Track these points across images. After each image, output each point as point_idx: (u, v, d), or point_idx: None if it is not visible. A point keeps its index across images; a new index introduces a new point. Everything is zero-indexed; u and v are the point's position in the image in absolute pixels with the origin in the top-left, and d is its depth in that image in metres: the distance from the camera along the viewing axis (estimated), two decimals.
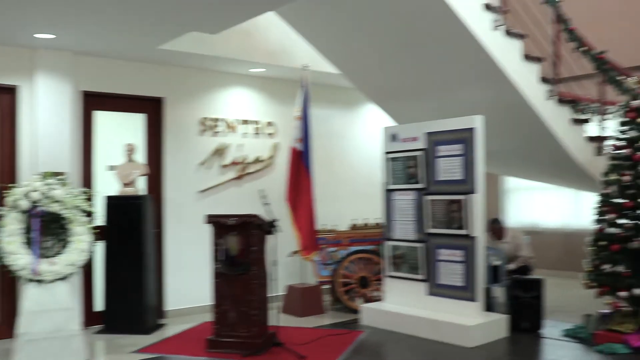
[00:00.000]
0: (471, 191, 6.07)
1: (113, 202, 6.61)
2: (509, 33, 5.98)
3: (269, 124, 8.22)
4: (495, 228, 7.69)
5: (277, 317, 5.79)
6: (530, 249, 7.71)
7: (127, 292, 6.46)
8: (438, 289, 6.42)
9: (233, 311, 5.58)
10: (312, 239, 7.19)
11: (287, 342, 5.69)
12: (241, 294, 5.56)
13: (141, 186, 6.95)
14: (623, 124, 6.00)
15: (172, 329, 6.68)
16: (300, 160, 7.19)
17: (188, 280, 7.31)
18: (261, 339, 5.58)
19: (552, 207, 10.14)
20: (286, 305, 7.44)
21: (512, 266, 7.30)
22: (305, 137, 7.20)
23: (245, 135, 8.02)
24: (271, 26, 7.29)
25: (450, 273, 6.28)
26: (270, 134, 8.22)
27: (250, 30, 7.13)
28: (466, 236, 6.13)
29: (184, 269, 7.34)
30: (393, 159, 6.88)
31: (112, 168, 6.82)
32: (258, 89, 8.19)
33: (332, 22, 6.16)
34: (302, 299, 7.37)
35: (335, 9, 5.86)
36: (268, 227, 5.73)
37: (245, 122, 8.02)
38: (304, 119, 7.21)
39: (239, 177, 7.90)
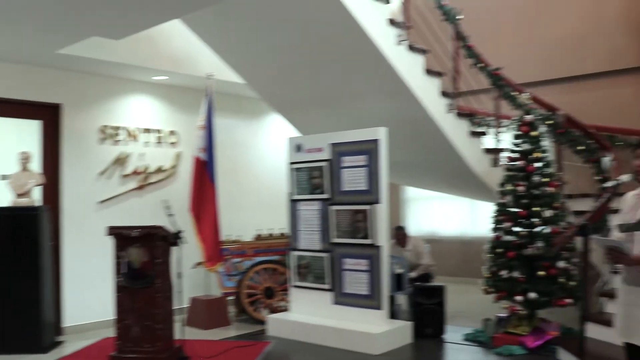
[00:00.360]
0: (375, 201, 6.18)
1: (5, 214, 6.19)
2: (411, 48, 6.12)
3: (172, 132, 8.03)
4: (399, 235, 7.89)
5: (182, 331, 5.65)
6: (431, 256, 7.96)
7: (21, 309, 6.06)
8: (344, 298, 6.48)
9: (136, 326, 5.37)
10: (216, 250, 7.09)
11: (193, 355, 5.55)
12: (145, 307, 5.37)
13: (36, 197, 6.57)
14: (517, 137, 6.28)
15: (71, 346, 6.35)
16: (204, 170, 7.08)
17: (88, 295, 7.00)
18: (166, 354, 5.39)
19: (450, 216, 10.51)
20: (191, 318, 7.26)
21: (413, 274, 7.49)
22: (209, 146, 7.10)
23: (147, 144, 7.80)
24: (176, 33, 7.13)
25: (356, 282, 6.36)
26: (172, 143, 8.03)
27: (155, 37, 6.95)
28: (371, 245, 6.22)
29: (84, 283, 7.02)
30: (298, 170, 6.88)
31: (5, 177, 6.39)
32: (161, 97, 7.99)
33: (236, 32, 6.10)
34: (207, 311, 7.24)
35: (240, 19, 5.80)
36: (173, 238, 5.58)
37: (147, 130, 7.80)
38: (208, 129, 7.11)
39: (140, 187, 7.67)
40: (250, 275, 7.41)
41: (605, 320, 5.28)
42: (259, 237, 7.95)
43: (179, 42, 7.26)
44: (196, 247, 6.99)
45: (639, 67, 7.94)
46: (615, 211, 3.99)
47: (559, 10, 8.57)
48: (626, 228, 3.16)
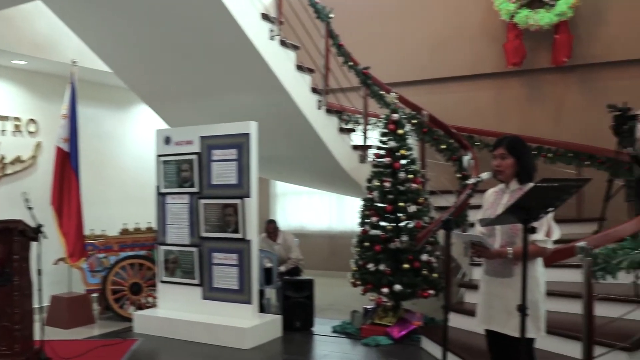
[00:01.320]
0: (246, 195, 6.18)
1: None
2: (284, 43, 6.15)
3: (32, 121, 7.58)
4: (270, 228, 7.93)
5: (42, 331, 5.35)
6: (300, 250, 8.06)
7: None
8: (213, 293, 6.43)
9: None
10: (79, 245, 6.79)
11: (55, 357, 5.30)
12: (2, 307, 5.04)
13: None
14: (384, 134, 6.50)
15: None
16: (67, 161, 6.76)
17: None
18: (25, 356, 5.08)
19: (318, 210, 10.68)
20: (51, 317, 6.89)
21: (283, 268, 7.56)
22: (72, 136, 6.77)
23: (4, 133, 7.32)
24: (38, 16, 6.74)
25: (225, 276, 6.33)
26: (32, 132, 7.59)
27: (15, 17, 6.53)
28: (241, 240, 6.21)
29: None
30: (166, 162, 6.74)
31: None
32: (20, 82, 7.51)
33: (102, 17, 5.79)
34: (69, 310, 6.90)
35: (105, 3, 5.52)
36: (32, 233, 5.26)
37: (3, 118, 7.32)
38: (71, 118, 6.79)
39: None
40: (116, 271, 7.15)
41: (465, 310, 5.53)
42: (125, 232, 7.67)
43: (42, 25, 6.88)
44: (58, 242, 6.65)
45: (496, 73, 8.47)
46: (476, 207, 4.21)
47: (425, 15, 8.95)
48: (486, 222, 3.33)
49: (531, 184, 3.21)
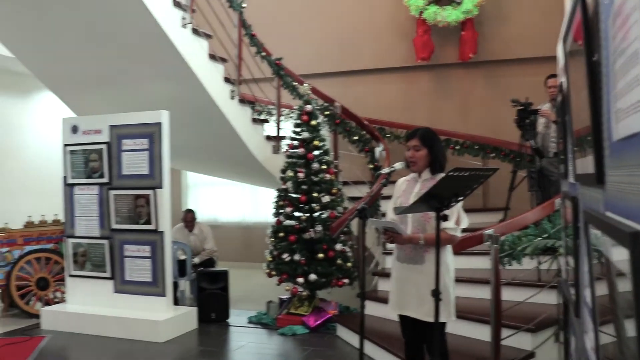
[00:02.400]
0: (158, 186, 6.08)
1: None
2: (196, 32, 6.09)
3: None
4: (189, 218, 7.82)
5: None
6: (214, 242, 8.01)
7: None
8: (125, 286, 6.30)
9: None
10: None
11: None
12: None
13: None
14: (297, 125, 6.56)
15: None
16: None
17: None
18: None
19: (231, 202, 10.63)
20: None
21: (197, 260, 7.49)
22: None
23: None
24: None
25: (138, 269, 6.21)
26: None
27: None
28: (153, 231, 6.12)
29: None
30: (73, 152, 6.53)
31: None
32: None
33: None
34: None
35: None
36: None
37: None
38: None
39: None
40: (21, 266, 6.85)
41: (378, 298, 5.63)
42: (29, 225, 7.36)
43: None
44: None
45: (406, 67, 8.71)
46: (387, 198, 4.30)
47: (337, 8, 9.07)
48: (400, 211, 3.42)
49: (442, 174, 3.33)
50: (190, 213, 7.94)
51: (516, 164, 6.77)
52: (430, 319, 3.20)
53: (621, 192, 1.15)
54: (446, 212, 3.16)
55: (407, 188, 3.62)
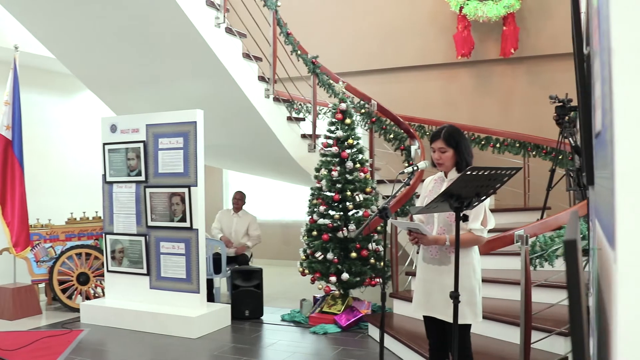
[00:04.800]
0: (193, 184, 6.15)
1: None
2: (230, 31, 6.12)
3: None
4: (237, 196, 7.87)
5: None
6: (259, 227, 7.99)
7: None
8: (161, 282, 6.39)
9: None
10: (23, 235, 6.69)
11: None
12: None
13: None
14: (332, 124, 6.53)
15: None
16: (10, 150, 6.63)
17: None
18: None
19: (271, 200, 10.66)
20: None
21: (249, 243, 7.56)
22: (14, 124, 6.64)
23: None
24: None
25: (173, 266, 6.30)
26: None
27: None
28: (188, 228, 6.19)
29: None
30: (112, 151, 6.65)
31: None
32: None
33: (45, 2, 5.67)
34: (13, 301, 6.77)
35: None
36: None
37: None
38: (14, 105, 6.65)
39: None
40: (62, 261, 7.05)
41: (411, 298, 5.57)
42: (71, 221, 7.56)
43: None
44: (2, 232, 6.53)
45: (446, 64, 8.57)
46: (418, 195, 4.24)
47: (376, 5, 9.00)
48: (417, 211, 3.36)
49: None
50: (239, 193, 7.96)
51: (556, 162, 6.59)
52: (458, 321, 3.15)
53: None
54: (469, 212, 3.09)
55: (434, 188, 3.55)
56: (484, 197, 3.09)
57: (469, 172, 2.81)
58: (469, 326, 3.39)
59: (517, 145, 7.51)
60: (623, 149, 0.77)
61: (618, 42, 0.78)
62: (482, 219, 3.34)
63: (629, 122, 0.77)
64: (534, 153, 7.39)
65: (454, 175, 3.44)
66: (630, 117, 0.77)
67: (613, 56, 0.78)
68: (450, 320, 3.27)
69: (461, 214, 3.03)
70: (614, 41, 0.79)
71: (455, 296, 3.03)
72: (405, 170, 3.71)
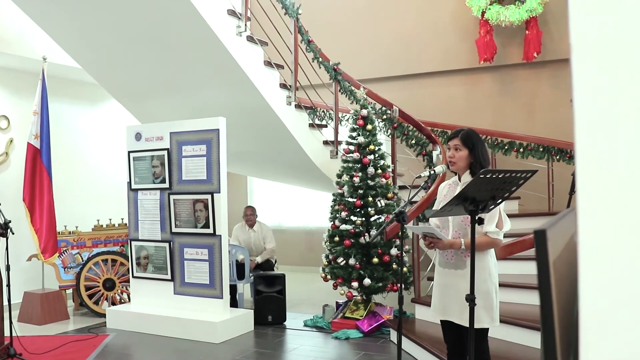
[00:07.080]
0: (216, 191, 6.21)
1: None
2: (251, 39, 6.18)
3: (3, 117, 7.55)
4: (248, 212, 7.94)
5: (13, 327, 5.36)
6: (275, 242, 8.07)
7: None
8: (185, 288, 6.47)
9: None
10: (51, 241, 6.82)
11: (24, 352, 5.31)
12: None
13: None
14: (354, 130, 6.56)
15: None
16: (38, 158, 6.77)
17: None
18: None
19: (295, 206, 10.72)
20: (25, 313, 6.91)
21: (259, 259, 7.60)
22: (42, 133, 6.79)
23: None
24: (7, 11, 6.72)
25: (196, 271, 6.37)
26: (3, 129, 7.56)
27: None
28: (211, 234, 6.26)
29: None
30: (137, 159, 6.76)
31: None
32: None
33: (68, 13, 5.76)
34: (42, 306, 6.90)
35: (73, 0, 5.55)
36: (0, 229, 5.28)
37: None
38: (42, 114, 6.79)
39: None
40: (89, 267, 7.18)
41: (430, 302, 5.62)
42: (97, 228, 7.70)
43: (11, 20, 6.85)
44: (31, 239, 6.67)
45: (468, 69, 8.55)
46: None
47: (397, 11, 9.01)
48: (432, 214, 3.38)
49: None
50: (249, 208, 8.04)
51: None
52: (474, 325, 3.15)
53: None
54: (484, 215, 3.09)
55: (449, 192, 3.56)
56: (500, 200, 3.09)
57: (482, 175, 2.82)
58: (486, 330, 3.39)
59: (541, 149, 7.44)
60: (581, 143, 0.81)
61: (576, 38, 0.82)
62: (497, 221, 3.33)
63: (585, 117, 0.81)
64: (557, 157, 7.32)
65: (467, 178, 3.43)
66: (586, 113, 0.81)
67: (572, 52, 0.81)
68: (466, 324, 3.27)
69: (476, 217, 3.03)
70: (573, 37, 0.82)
71: (471, 299, 3.04)
72: (422, 175, 3.71)
